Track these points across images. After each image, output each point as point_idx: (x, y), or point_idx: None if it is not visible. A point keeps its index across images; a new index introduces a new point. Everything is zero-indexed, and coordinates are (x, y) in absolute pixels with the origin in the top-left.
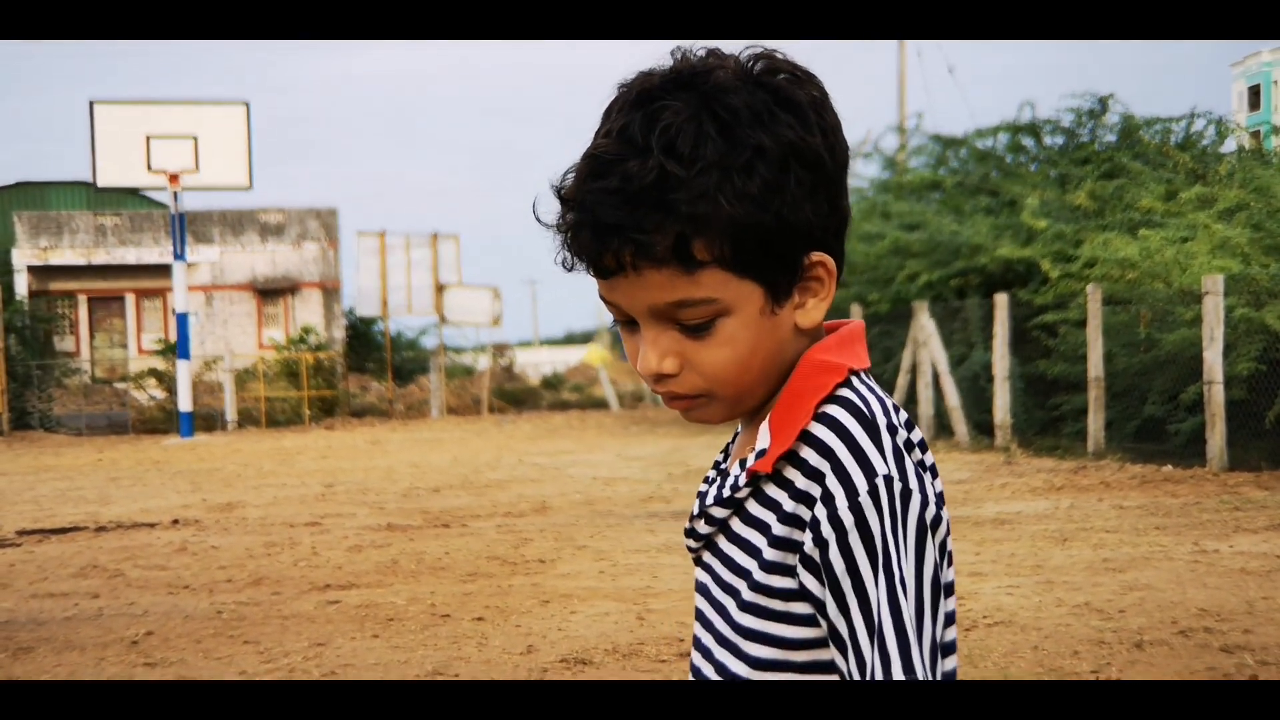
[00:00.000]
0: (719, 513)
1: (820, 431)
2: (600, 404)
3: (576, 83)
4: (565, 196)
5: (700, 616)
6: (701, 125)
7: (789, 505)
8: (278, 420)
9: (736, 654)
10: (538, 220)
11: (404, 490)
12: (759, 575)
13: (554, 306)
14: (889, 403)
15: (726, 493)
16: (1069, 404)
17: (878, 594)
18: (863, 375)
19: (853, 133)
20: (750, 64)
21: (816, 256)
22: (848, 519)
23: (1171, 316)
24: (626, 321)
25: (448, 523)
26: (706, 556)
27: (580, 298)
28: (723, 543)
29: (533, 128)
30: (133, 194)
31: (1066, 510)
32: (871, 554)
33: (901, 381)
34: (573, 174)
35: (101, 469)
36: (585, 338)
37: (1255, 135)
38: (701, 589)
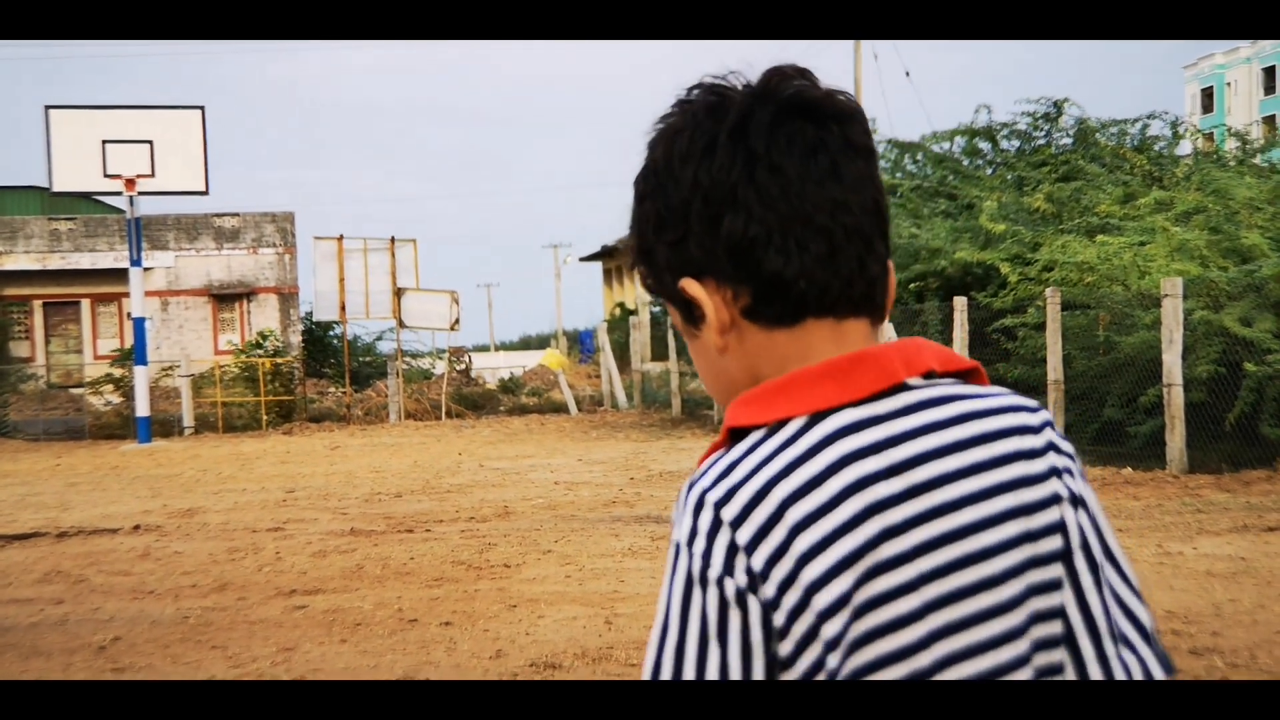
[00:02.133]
0: None
1: (684, 483)
2: (559, 408)
3: (535, 85)
4: None
5: None
6: (646, 163)
7: None
8: (235, 425)
9: None
10: None
11: (366, 495)
12: None
13: (510, 311)
14: (749, 471)
15: None
16: None
17: (656, 632)
18: (765, 440)
19: None
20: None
21: (682, 284)
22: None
23: (1130, 319)
24: None
25: (411, 528)
26: None
27: (535, 302)
28: None
29: (491, 131)
30: (87, 199)
31: None
32: (660, 605)
33: None
34: None
35: (60, 474)
36: (542, 342)
37: (1209, 137)
38: None
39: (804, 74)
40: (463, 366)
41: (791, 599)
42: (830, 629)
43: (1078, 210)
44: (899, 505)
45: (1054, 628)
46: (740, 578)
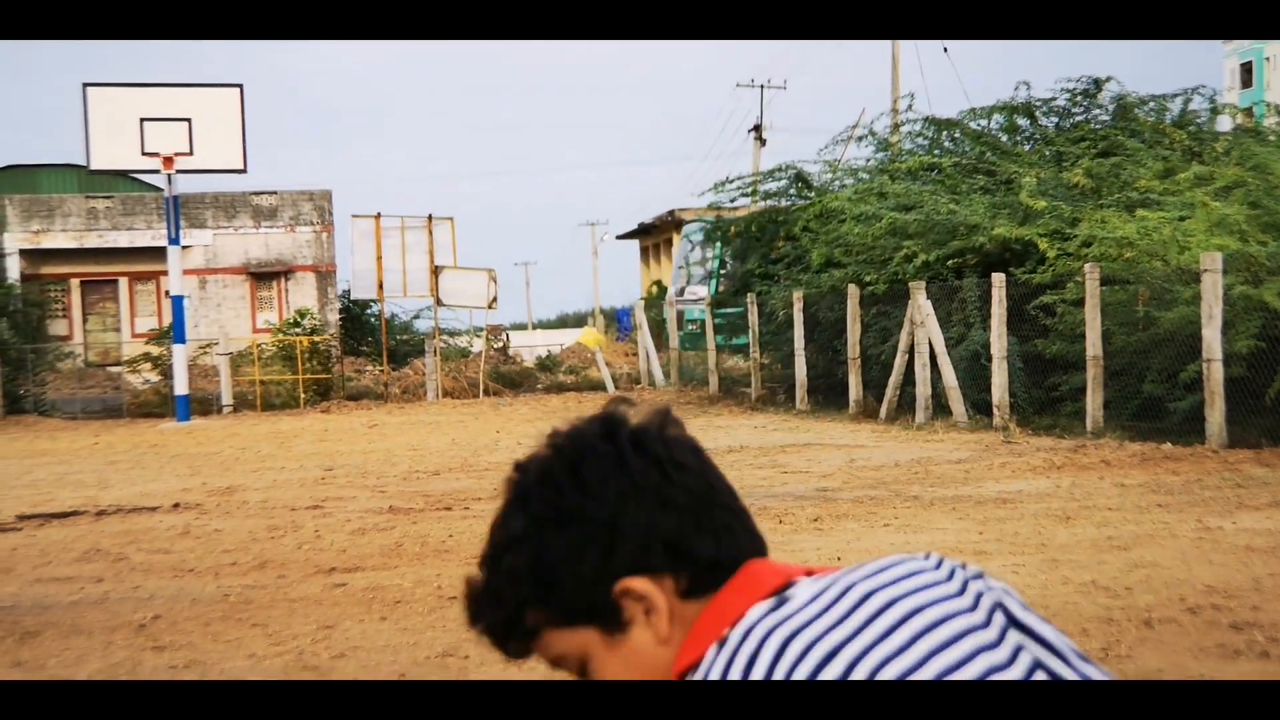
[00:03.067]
0: None
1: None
2: (596, 386)
3: (572, 63)
4: None
5: None
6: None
7: None
8: (273, 403)
9: None
10: None
11: (404, 473)
12: None
13: (548, 289)
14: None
15: None
16: (1067, 383)
17: None
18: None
19: (847, 114)
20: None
21: (620, 587)
22: None
23: (1170, 295)
24: None
25: (450, 505)
26: None
27: (573, 280)
28: None
29: (528, 111)
30: (125, 177)
31: (1068, 489)
32: None
33: (899, 362)
34: None
35: (98, 453)
36: (579, 320)
37: (1248, 113)
38: None
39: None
40: (500, 344)
41: None
42: None
43: (1117, 185)
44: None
45: None
46: None
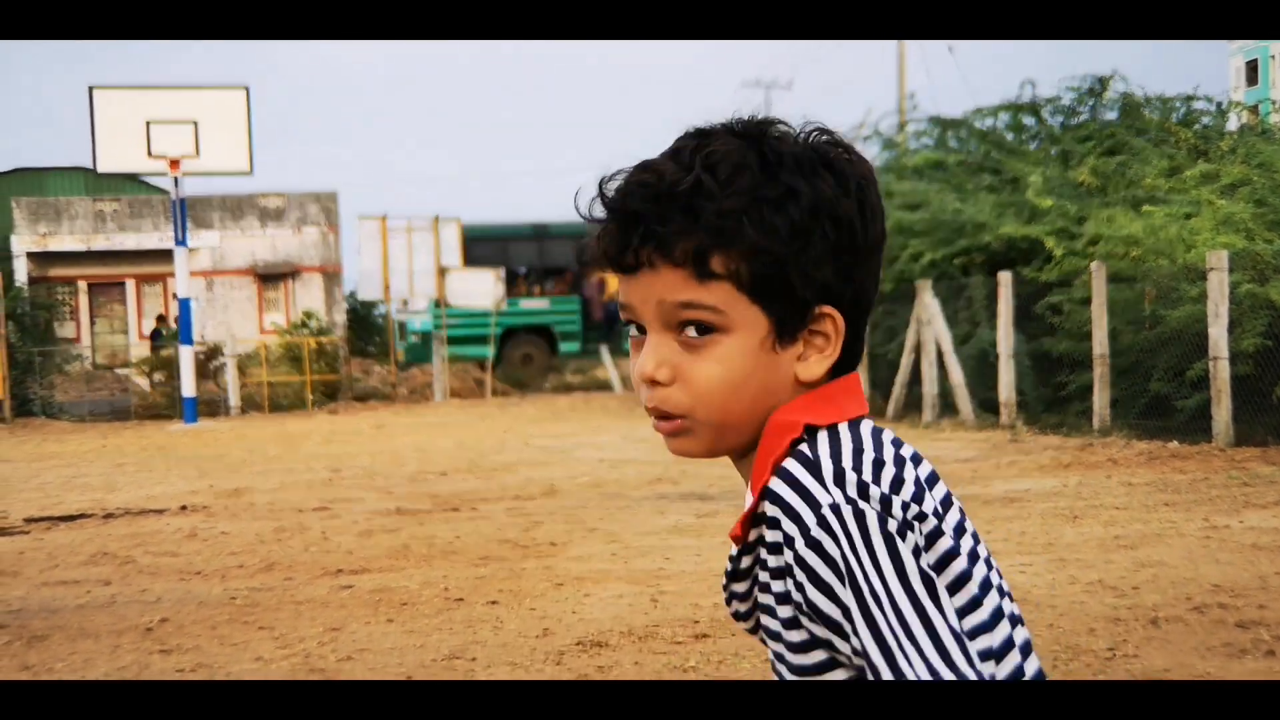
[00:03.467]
0: (738, 587)
1: (774, 484)
2: (604, 386)
3: (577, 64)
4: (603, 190)
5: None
6: (745, 159)
7: (773, 561)
8: (281, 405)
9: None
10: (579, 213)
11: (411, 474)
12: (788, 635)
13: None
14: (854, 447)
15: (729, 566)
16: (1074, 381)
17: (869, 614)
18: (838, 427)
19: (853, 113)
20: (809, 133)
21: (826, 309)
22: (808, 556)
23: (1176, 293)
24: (639, 328)
25: (457, 506)
26: (760, 630)
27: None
28: (761, 615)
29: (532, 111)
30: (132, 179)
31: (1075, 488)
32: (844, 578)
33: (905, 361)
34: (619, 173)
35: (106, 455)
36: None
37: (1254, 111)
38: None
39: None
40: None
41: (928, 524)
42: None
43: (1123, 184)
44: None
45: None
46: (896, 515)
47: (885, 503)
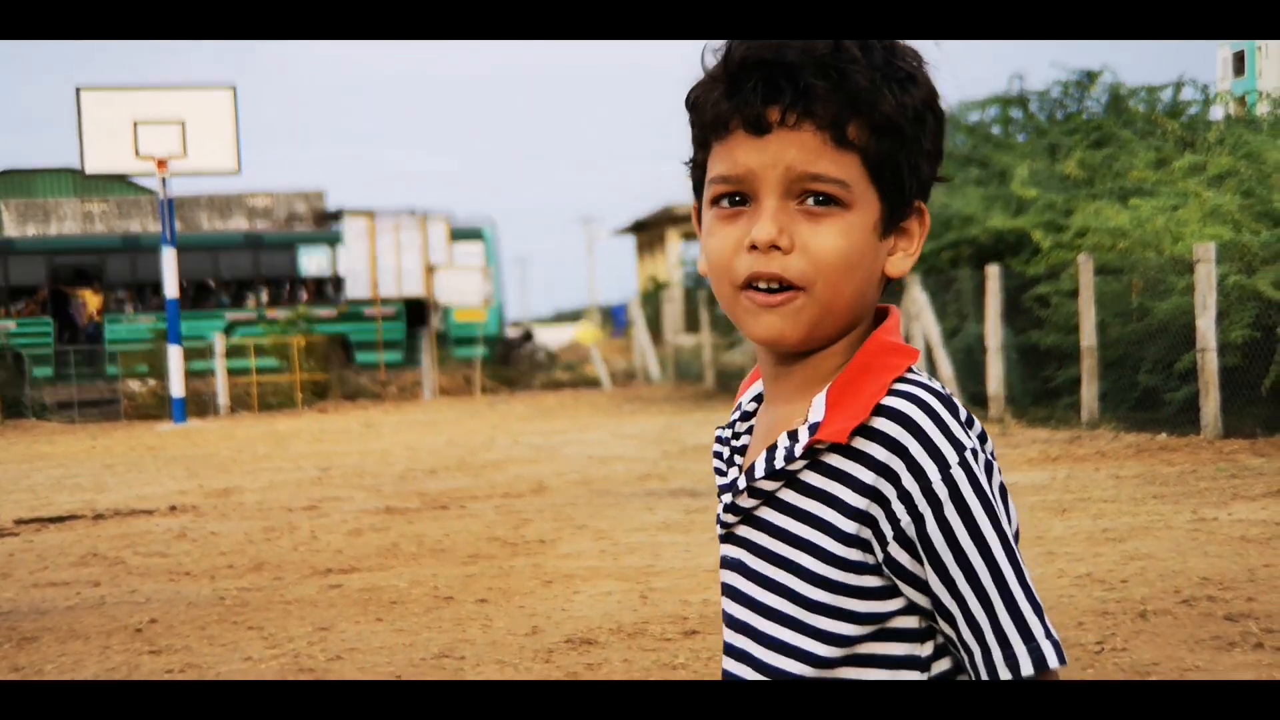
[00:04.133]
0: (768, 485)
1: (902, 405)
2: (593, 383)
3: (565, 60)
4: (735, 52)
5: (734, 593)
6: (868, 43)
7: (868, 478)
8: (270, 404)
9: (802, 630)
10: (704, 68)
11: (400, 473)
12: (833, 547)
13: (543, 286)
14: (949, 393)
15: (779, 464)
16: (1063, 374)
17: (983, 563)
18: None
19: None
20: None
21: (920, 204)
22: (942, 491)
23: (1163, 285)
24: (733, 202)
25: (446, 504)
26: (744, 530)
27: (569, 276)
28: (769, 515)
29: (520, 109)
30: (120, 180)
31: (1064, 480)
32: (969, 524)
33: None
34: (739, 45)
35: (96, 456)
36: (575, 316)
37: (1241, 101)
38: (735, 565)
39: None
40: (522, 335)
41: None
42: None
43: (1110, 175)
44: None
45: None
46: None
47: (992, 457)
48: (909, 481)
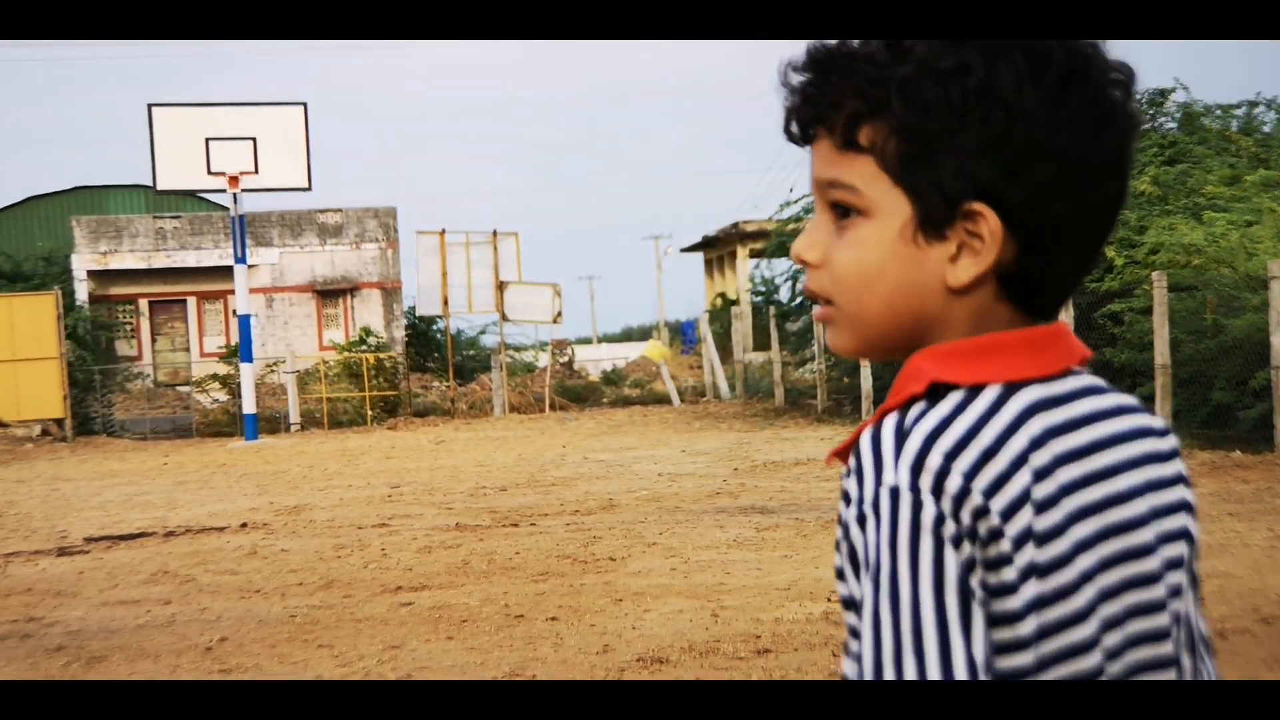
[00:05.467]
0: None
1: (864, 435)
2: (662, 399)
3: (631, 76)
4: (779, 71)
5: None
6: (902, 40)
7: (840, 506)
8: (340, 421)
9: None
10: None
11: (470, 489)
12: (838, 586)
13: (612, 303)
14: (971, 426)
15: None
16: (1137, 392)
17: (872, 599)
18: (981, 391)
19: None
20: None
21: (978, 206)
22: (858, 517)
23: (1237, 302)
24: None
25: (516, 521)
26: None
27: (637, 294)
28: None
29: (589, 123)
30: (192, 196)
31: None
32: (868, 560)
33: None
34: (782, 62)
35: (167, 473)
36: (644, 333)
37: None
38: None
39: None
40: (566, 359)
41: (1031, 547)
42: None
43: (1184, 192)
44: (1085, 487)
45: (1178, 633)
46: (963, 521)
47: (957, 502)
48: (850, 510)
